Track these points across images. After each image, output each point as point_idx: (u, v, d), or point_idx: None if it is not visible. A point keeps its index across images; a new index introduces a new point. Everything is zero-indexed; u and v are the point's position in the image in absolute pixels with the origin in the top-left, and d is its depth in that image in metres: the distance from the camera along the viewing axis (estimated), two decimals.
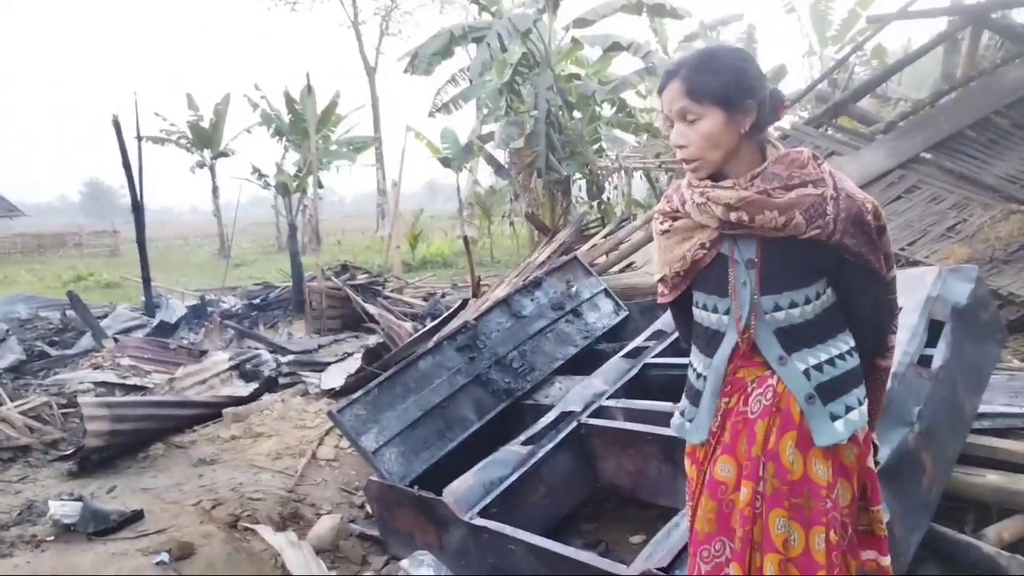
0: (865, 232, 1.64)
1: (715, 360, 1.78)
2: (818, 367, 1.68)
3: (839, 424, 1.66)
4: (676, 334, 4.01)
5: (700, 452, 1.82)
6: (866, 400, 1.74)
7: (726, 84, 1.62)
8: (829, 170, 1.67)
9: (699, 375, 1.83)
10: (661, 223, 1.82)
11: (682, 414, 1.89)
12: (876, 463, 1.90)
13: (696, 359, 1.86)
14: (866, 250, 1.65)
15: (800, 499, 1.65)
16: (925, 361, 2.79)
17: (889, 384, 2.45)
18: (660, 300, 1.91)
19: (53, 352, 8.64)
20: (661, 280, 1.86)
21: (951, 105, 8.48)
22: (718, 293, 1.75)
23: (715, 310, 1.77)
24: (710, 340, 1.80)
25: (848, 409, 1.68)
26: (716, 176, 1.70)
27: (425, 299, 11.50)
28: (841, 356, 1.70)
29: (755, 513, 1.66)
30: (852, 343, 1.74)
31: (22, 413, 5.76)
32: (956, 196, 7.16)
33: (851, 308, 1.73)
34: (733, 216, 1.64)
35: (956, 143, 7.81)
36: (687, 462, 1.88)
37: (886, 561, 1.80)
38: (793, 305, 1.67)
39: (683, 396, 1.91)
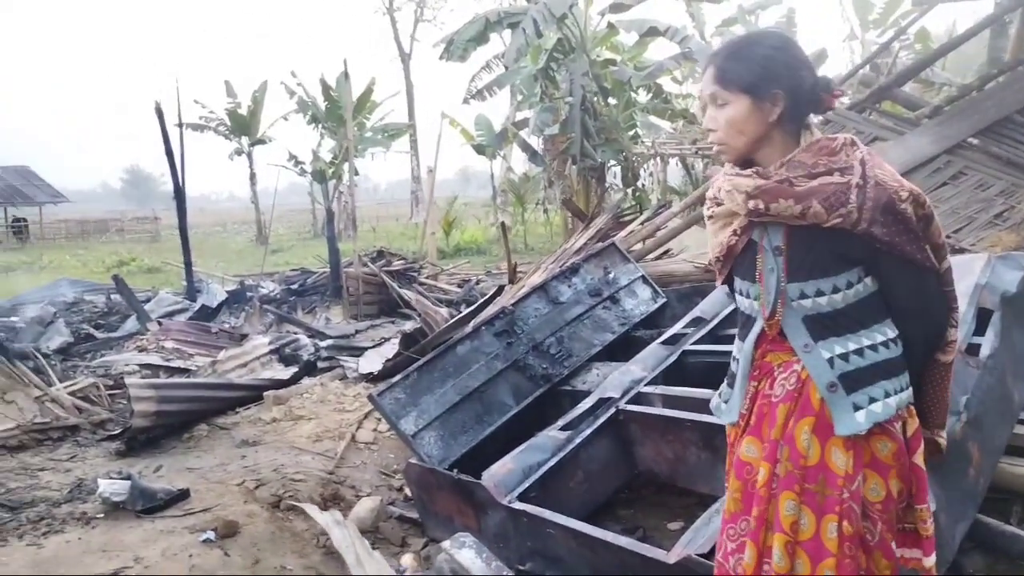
0: (901, 221, 1.60)
1: (745, 344, 1.81)
2: (844, 356, 1.66)
3: (860, 415, 1.63)
4: (715, 321, 4.01)
5: (733, 434, 1.85)
6: (900, 393, 1.68)
7: (753, 72, 1.63)
8: (862, 157, 1.63)
9: (734, 358, 1.87)
10: (708, 208, 1.85)
11: (720, 396, 1.93)
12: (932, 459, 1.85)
13: (735, 342, 1.89)
14: (902, 239, 1.60)
15: (814, 485, 1.64)
16: (973, 350, 2.74)
17: None
18: (719, 283, 1.96)
19: (99, 335, 8.86)
20: (712, 262, 1.90)
21: (998, 89, 8.26)
22: (750, 279, 1.77)
23: (748, 295, 1.79)
24: (744, 324, 1.84)
25: (872, 400, 1.64)
26: (749, 163, 1.71)
27: (460, 286, 11.56)
28: (873, 347, 1.67)
29: (771, 494, 1.68)
30: (891, 334, 1.70)
31: (71, 394, 5.94)
32: (1004, 183, 6.98)
33: (892, 298, 1.70)
34: (751, 204, 1.65)
35: (1004, 128, 7.60)
36: (729, 443, 1.91)
37: (930, 561, 1.76)
38: (820, 293, 1.66)
39: (724, 379, 1.94)
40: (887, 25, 20.81)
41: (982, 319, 2.87)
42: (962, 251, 5.89)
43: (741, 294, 1.82)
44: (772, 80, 1.63)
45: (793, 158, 1.65)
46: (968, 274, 2.98)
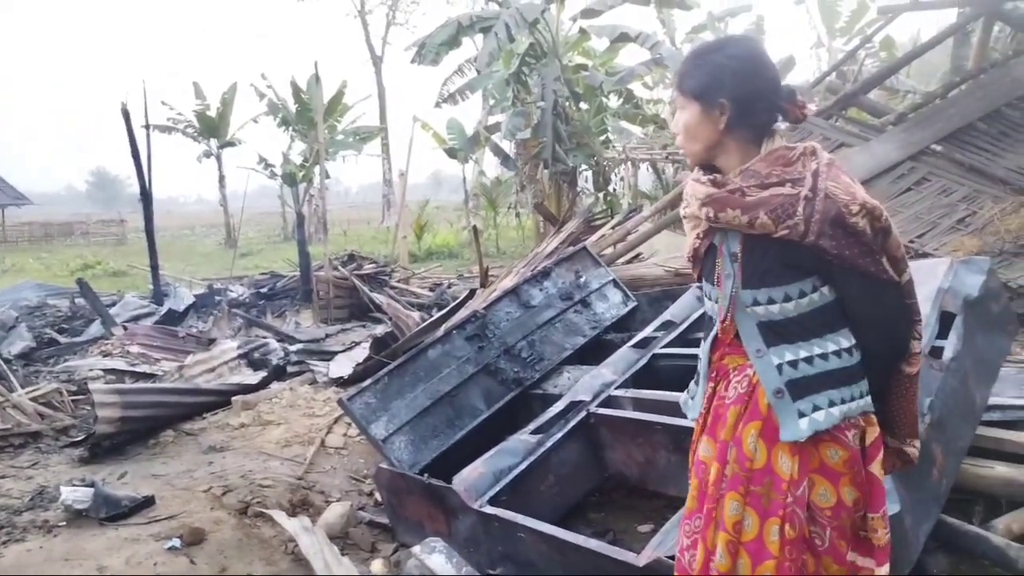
0: (851, 235, 1.58)
1: (703, 345, 1.87)
2: (793, 363, 1.67)
3: (803, 422, 1.64)
4: (684, 325, 4.04)
5: (696, 432, 1.89)
6: (848, 403, 1.67)
7: (702, 80, 1.68)
8: (816, 168, 1.62)
9: (700, 358, 1.91)
10: (683, 207, 1.87)
11: (687, 392, 1.99)
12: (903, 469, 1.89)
13: (701, 342, 1.93)
14: (853, 252, 1.59)
15: (760, 488, 1.66)
16: (936, 352, 2.79)
17: None
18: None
19: (62, 339, 8.70)
20: (687, 260, 1.94)
21: (962, 97, 8.44)
22: (711, 282, 1.81)
23: (710, 297, 1.83)
24: (707, 325, 1.88)
25: (816, 408, 1.64)
26: (708, 168, 1.76)
27: (431, 289, 11.52)
28: (824, 356, 1.67)
29: (719, 493, 1.70)
30: (845, 344, 1.69)
31: (33, 400, 5.81)
32: (966, 188, 7.13)
33: (849, 309, 1.70)
34: (703, 212, 1.70)
35: (967, 135, 7.77)
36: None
37: (882, 571, 1.75)
38: (771, 301, 1.67)
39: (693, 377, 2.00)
40: (853, 33, 21.16)
41: (945, 322, 2.92)
42: (925, 255, 6.01)
43: (708, 297, 1.85)
44: (717, 89, 1.66)
45: (750, 167, 1.66)
46: (931, 278, 3.04)
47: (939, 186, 7.24)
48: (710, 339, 1.84)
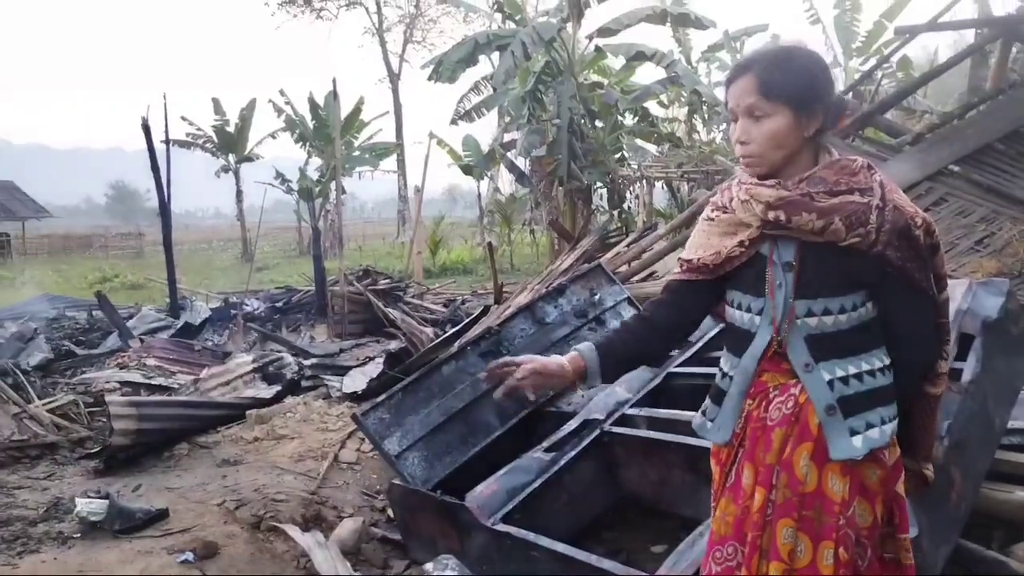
0: (913, 247, 1.61)
1: (744, 360, 1.76)
2: (844, 379, 1.65)
3: (857, 440, 1.62)
4: (700, 343, 4.01)
5: (724, 453, 1.81)
6: (893, 421, 1.68)
7: (800, 86, 1.62)
8: (881, 180, 1.64)
9: (724, 375, 1.82)
10: (711, 211, 1.81)
11: (703, 413, 1.87)
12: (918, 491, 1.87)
13: (724, 359, 1.85)
14: (912, 265, 1.62)
15: (811, 512, 1.63)
16: (955, 375, 2.76)
17: None
18: (671, 276, 1.89)
19: (80, 351, 8.75)
20: (685, 261, 1.84)
21: (980, 118, 8.39)
22: (753, 293, 1.73)
23: (748, 310, 1.74)
24: (740, 339, 1.78)
25: (869, 426, 1.64)
26: (768, 176, 1.69)
27: (445, 305, 11.52)
28: (872, 372, 1.67)
29: (765, 520, 1.65)
30: (886, 362, 1.69)
31: (50, 411, 5.85)
32: (984, 209, 7.07)
33: (891, 324, 1.69)
34: (771, 215, 1.63)
35: (985, 156, 7.71)
36: (712, 462, 1.87)
37: None
38: (827, 312, 1.65)
39: (708, 396, 1.89)
40: (870, 53, 21.09)
41: (964, 344, 2.90)
42: None
43: (739, 308, 1.77)
44: (814, 95, 1.63)
45: (814, 174, 1.64)
46: (950, 300, 3.01)
47: (957, 207, 7.19)
48: (757, 353, 1.73)
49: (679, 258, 1.86)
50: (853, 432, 1.63)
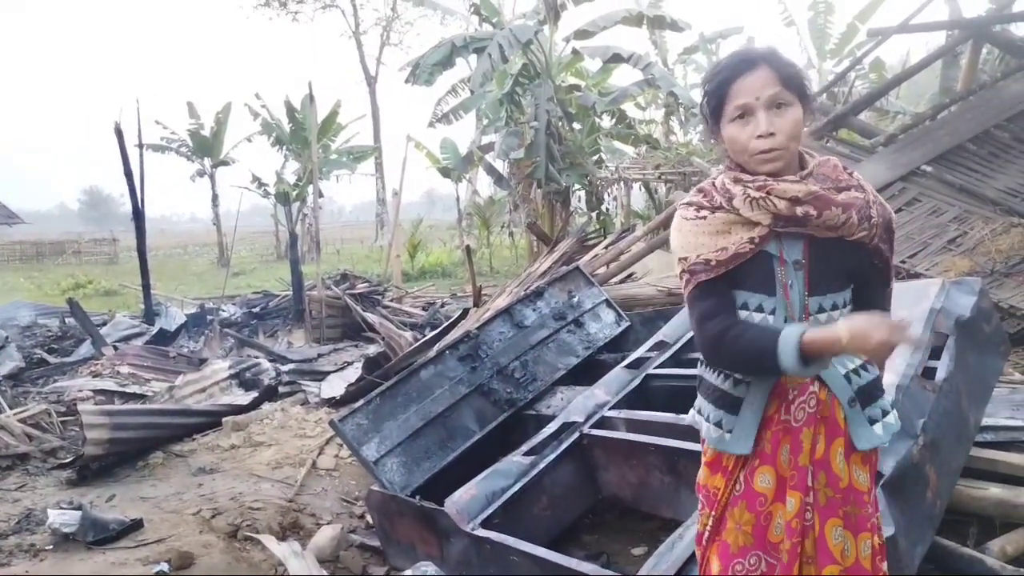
0: (891, 240, 1.69)
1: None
2: (855, 371, 1.70)
3: (878, 427, 1.68)
4: (678, 345, 4.01)
5: (730, 461, 1.72)
6: (894, 407, 1.76)
7: (803, 79, 1.64)
8: (859, 177, 1.70)
9: (739, 381, 1.70)
10: (696, 211, 1.70)
11: (719, 425, 1.73)
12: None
13: None
14: (890, 257, 1.71)
15: (851, 507, 1.66)
16: (929, 373, 2.79)
17: (893, 396, 2.47)
18: (696, 281, 1.68)
19: (52, 359, 8.63)
20: (696, 261, 1.67)
21: (951, 118, 8.50)
22: (764, 292, 1.66)
23: (760, 310, 1.66)
24: None
25: (884, 413, 1.71)
26: (780, 173, 1.63)
27: (424, 309, 11.50)
28: (867, 363, 1.72)
29: (804, 525, 1.63)
30: None
31: (21, 421, 5.75)
32: (957, 209, 7.17)
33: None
34: (799, 210, 1.58)
35: (957, 156, 7.82)
36: (705, 472, 1.79)
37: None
38: (835, 307, 1.67)
39: (708, 404, 1.77)
40: (843, 55, 21.33)
41: (937, 343, 2.92)
42: (917, 276, 6.02)
43: (747, 308, 1.68)
44: (809, 92, 1.66)
45: (815, 172, 1.65)
46: (923, 299, 3.04)
47: (930, 206, 7.28)
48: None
49: (680, 258, 1.71)
50: (872, 421, 1.68)
